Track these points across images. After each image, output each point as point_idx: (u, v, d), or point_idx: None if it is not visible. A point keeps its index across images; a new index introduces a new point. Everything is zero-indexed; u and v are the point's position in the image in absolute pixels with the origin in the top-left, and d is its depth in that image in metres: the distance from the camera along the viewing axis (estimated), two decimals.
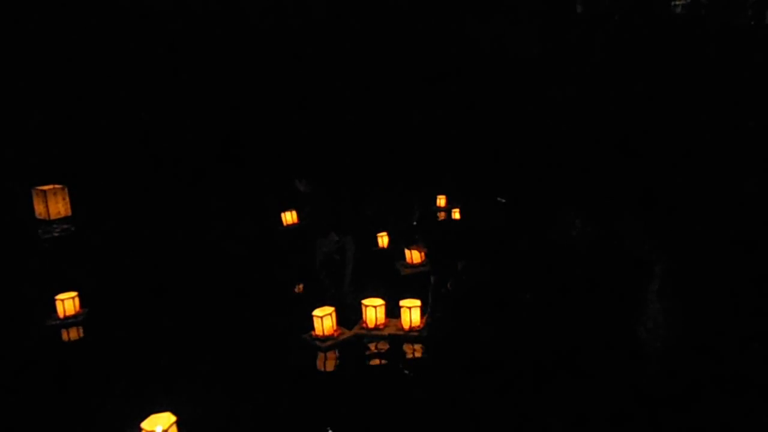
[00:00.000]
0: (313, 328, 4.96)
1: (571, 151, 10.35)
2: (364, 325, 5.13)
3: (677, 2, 15.41)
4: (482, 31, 13.57)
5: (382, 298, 5.20)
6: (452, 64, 12.91)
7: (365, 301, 5.15)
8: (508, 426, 3.73)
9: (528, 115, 11.92)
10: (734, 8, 15.12)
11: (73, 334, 5.30)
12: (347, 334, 5.03)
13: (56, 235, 8.52)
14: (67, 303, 5.41)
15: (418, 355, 4.81)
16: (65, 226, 8.85)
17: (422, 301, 5.15)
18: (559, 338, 4.72)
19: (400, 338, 4.99)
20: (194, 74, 11.79)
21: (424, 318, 5.13)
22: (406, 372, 4.53)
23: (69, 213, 9.29)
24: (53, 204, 9.12)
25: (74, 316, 5.42)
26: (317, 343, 4.88)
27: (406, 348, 4.87)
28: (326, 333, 4.92)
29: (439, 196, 9.09)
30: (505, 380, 4.19)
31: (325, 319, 4.92)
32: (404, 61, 12.80)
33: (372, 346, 4.94)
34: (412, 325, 5.05)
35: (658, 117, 11.27)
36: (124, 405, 3.85)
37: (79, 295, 5.53)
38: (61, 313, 5.40)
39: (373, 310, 5.10)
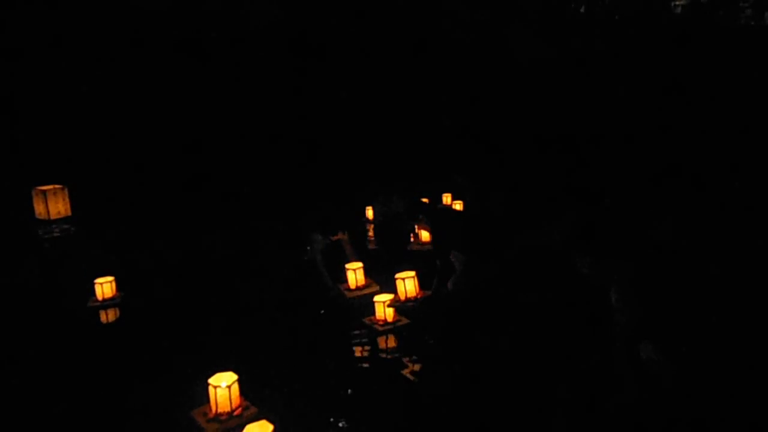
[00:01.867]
0: (345, 281, 5.72)
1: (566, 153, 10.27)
2: (375, 319, 5.04)
3: (677, 2, 15.45)
4: (484, 31, 13.57)
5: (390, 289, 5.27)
6: (451, 61, 12.89)
7: (376, 298, 5.09)
8: (507, 426, 3.64)
9: (526, 115, 11.87)
10: (734, 8, 15.17)
11: (111, 314, 5.72)
12: (375, 287, 5.64)
13: (56, 235, 8.44)
14: (105, 286, 5.81)
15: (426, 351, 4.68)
16: (65, 226, 8.78)
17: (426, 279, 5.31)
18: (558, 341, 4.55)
19: (398, 308, 5.10)
20: (196, 75, 11.74)
21: (423, 292, 5.28)
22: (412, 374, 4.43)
23: (69, 213, 9.22)
24: (53, 204, 9.05)
25: (111, 299, 5.82)
26: (348, 293, 5.62)
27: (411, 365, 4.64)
28: (359, 284, 5.69)
29: (445, 194, 8.97)
30: (504, 383, 4.06)
31: (358, 272, 5.70)
32: (403, 60, 12.78)
33: (381, 342, 4.84)
34: (408, 295, 5.27)
35: (655, 117, 11.25)
36: (189, 364, 4.34)
37: (116, 280, 5.91)
38: (99, 296, 5.79)
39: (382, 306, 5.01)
